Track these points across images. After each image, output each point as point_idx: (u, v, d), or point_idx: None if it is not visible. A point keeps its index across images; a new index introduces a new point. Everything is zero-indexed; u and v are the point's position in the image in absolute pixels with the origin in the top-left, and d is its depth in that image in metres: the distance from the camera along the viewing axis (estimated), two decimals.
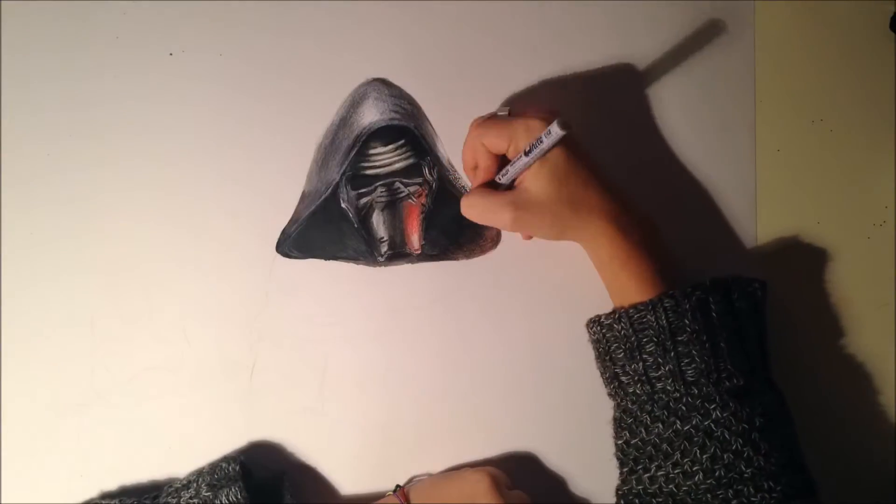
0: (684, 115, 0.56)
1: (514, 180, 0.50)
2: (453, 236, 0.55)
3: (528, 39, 0.56)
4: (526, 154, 0.47)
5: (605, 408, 0.52)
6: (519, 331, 0.55)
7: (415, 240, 0.55)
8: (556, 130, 0.43)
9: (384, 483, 0.55)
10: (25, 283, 0.55)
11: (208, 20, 0.56)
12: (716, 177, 0.56)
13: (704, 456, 0.45)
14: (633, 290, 0.48)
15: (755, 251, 0.56)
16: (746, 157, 0.56)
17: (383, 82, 0.56)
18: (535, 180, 0.48)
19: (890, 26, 0.56)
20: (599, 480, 0.53)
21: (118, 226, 0.55)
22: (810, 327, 0.56)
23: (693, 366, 0.46)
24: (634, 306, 0.47)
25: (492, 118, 0.51)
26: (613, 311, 0.49)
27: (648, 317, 0.47)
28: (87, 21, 0.55)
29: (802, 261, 0.56)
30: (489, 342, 0.55)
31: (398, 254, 0.55)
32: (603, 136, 0.55)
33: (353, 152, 0.55)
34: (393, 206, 0.55)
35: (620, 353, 0.48)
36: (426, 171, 0.55)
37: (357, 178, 0.55)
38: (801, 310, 0.56)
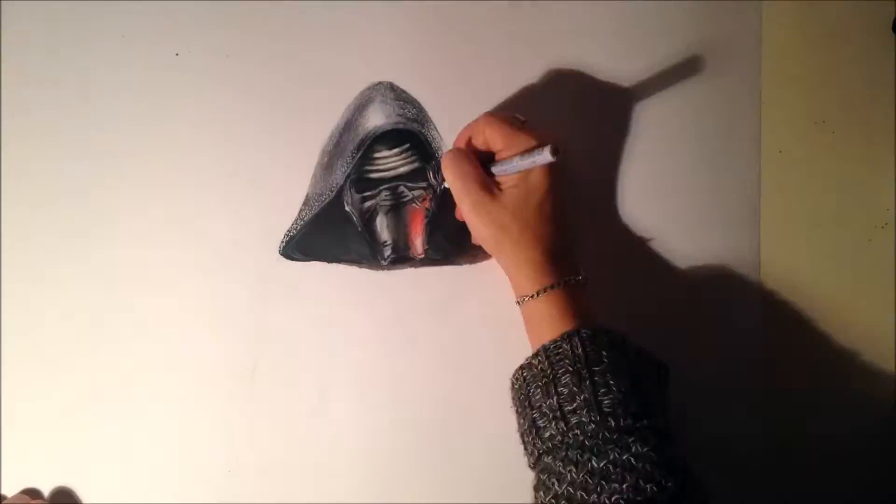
0: (689, 117, 0.56)
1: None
2: (457, 241, 0.55)
3: (533, 42, 0.56)
4: (520, 159, 0.47)
5: None
6: (521, 336, 0.55)
7: (418, 244, 0.55)
8: (545, 154, 0.44)
9: (385, 487, 0.55)
10: (26, 282, 0.55)
11: (215, 21, 0.56)
12: (719, 178, 0.56)
13: (625, 485, 0.41)
14: (548, 328, 0.48)
15: (758, 253, 0.56)
16: (751, 159, 0.56)
17: (389, 86, 0.56)
18: (513, 187, 0.49)
19: (893, 28, 0.56)
20: None
21: (120, 226, 0.55)
22: (811, 328, 0.56)
23: (610, 396, 0.43)
24: (552, 339, 0.47)
25: (506, 117, 0.51)
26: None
27: (564, 346, 0.46)
28: (93, 19, 0.55)
29: (804, 262, 0.57)
30: (491, 347, 0.55)
31: (401, 258, 0.55)
32: (606, 137, 0.56)
33: (358, 156, 0.55)
34: (397, 209, 0.55)
35: (539, 392, 0.46)
36: (431, 175, 0.54)
37: (361, 181, 0.55)
38: (802, 311, 0.56)
